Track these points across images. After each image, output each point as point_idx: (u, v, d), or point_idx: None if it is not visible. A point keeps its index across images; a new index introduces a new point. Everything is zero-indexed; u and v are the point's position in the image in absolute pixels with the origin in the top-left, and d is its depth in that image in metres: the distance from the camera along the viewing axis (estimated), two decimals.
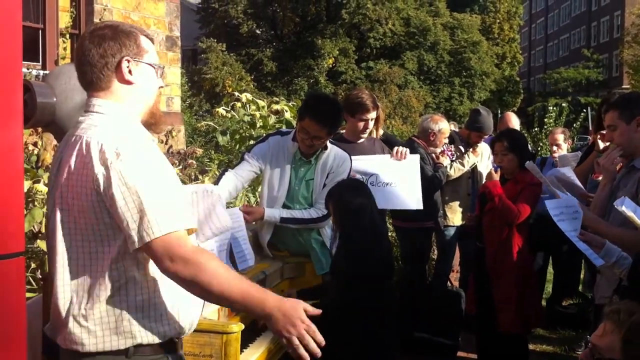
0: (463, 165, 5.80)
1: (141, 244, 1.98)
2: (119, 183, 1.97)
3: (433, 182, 5.47)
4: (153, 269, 2.10)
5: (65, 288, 2.07)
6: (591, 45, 51.76)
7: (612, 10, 49.62)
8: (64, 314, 2.08)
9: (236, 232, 3.56)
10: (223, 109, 7.67)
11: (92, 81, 2.17)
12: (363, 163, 4.59)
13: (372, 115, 4.81)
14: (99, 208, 2.02)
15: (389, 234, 6.15)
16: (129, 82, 2.17)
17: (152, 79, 2.25)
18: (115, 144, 2.02)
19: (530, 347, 5.20)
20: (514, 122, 6.46)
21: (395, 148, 4.84)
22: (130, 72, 2.16)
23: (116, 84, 2.16)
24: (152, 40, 2.28)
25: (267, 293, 2.08)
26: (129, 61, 2.16)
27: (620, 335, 1.97)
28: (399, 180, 4.71)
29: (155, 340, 2.12)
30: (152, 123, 2.26)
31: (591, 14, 53.73)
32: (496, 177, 4.63)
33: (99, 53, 2.13)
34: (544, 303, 6.57)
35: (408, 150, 4.84)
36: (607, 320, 2.04)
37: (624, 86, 38.96)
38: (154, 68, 2.24)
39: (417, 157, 4.95)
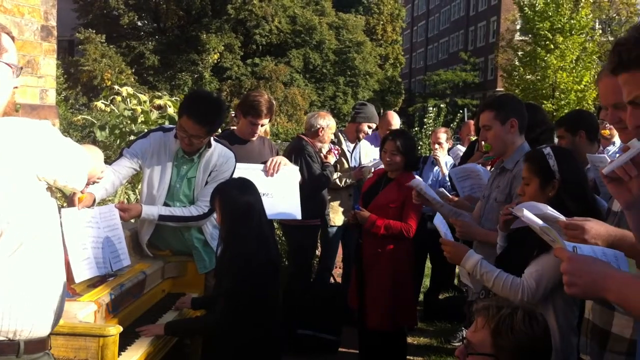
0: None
1: None
2: None
3: (321, 180, 5.52)
4: None
5: None
6: (468, 49, 54.07)
7: (488, 16, 52.05)
8: None
9: (110, 230, 3.42)
10: (102, 102, 7.40)
11: None
12: (239, 172, 4.52)
13: (264, 121, 4.79)
14: None
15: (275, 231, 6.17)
16: None
17: (7, 78, 2.12)
18: None
19: (408, 340, 5.35)
20: (395, 120, 6.63)
21: (269, 160, 4.81)
22: None
23: None
24: (13, 38, 2.17)
25: None
26: None
27: (490, 330, 2.05)
28: (276, 191, 4.69)
29: None
30: None
31: (469, 18, 56.12)
32: (366, 214, 4.61)
33: None
34: (422, 297, 6.80)
35: (282, 162, 4.83)
36: (478, 317, 2.11)
37: (498, 89, 40.96)
38: (11, 68, 2.11)
39: (296, 168, 4.99)
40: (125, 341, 3.03)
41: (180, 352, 3.72)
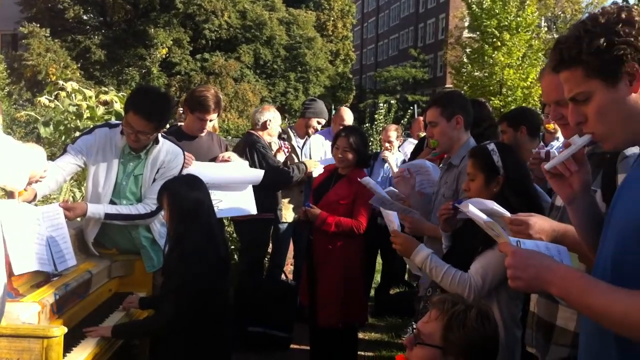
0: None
1: None
2: None
3: (281, 174, 5.47)
4: None
5: None
6: (418, 45, 54.58)
7: (437, 13, 52.61)
8: None
9: (54, 230, 3.33)
10: (46, 98, 7.24)
11: None
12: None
13: (212, 117, 4.72)
14: None
15: (226, 227, 6.12)
16: None
17: None
18: None
19: (360, 335, 5.37)
20: (348, 116, 6.64)
21: (218, 156, 4.77)
22: None
23: None
24: None
25: None
26: None
27: (442, 323, 2.07)
28: (229, 188, 4.66)
29: None
30: None
31: (419, 15, 56.64)
32: (316, 211, 4.62)
33: None
34: (372, 293, 6.85)
35: (230, 157, 4.78)
36: (433, 308, 2.14)
37: (447, 85, 41.47)
38: None
39: (246, 163, 4.96)
40: (70, 342, 2.98)
41: (127, 352, 3.66)
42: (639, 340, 1.57)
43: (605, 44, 1.64)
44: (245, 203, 4.80)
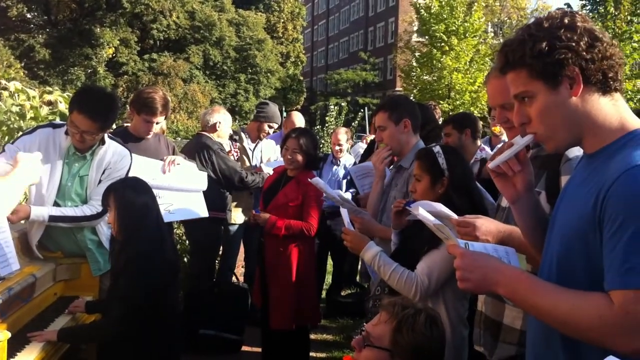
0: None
1: None
2: None
3: (235, 173, 5.43)
4: None
5: None
6: (368, 49, 55.00)
7: (386, 17, 53.14)
8: None
9: None
10: None
11: None
12: (140, 165, 4.39)
13: (159, 119, 4.62)
14: None
15: (175, 230, 6.04)
16: None
17: None
18: None
19: (311, 336, 5.38)
20: (298, 120, 6.64)
21: (167, 159, 4.65)
22: None
23: None
24: None
25: None
26: None
27: (392, 326, 2.09)
28: (180, 194, 4.62)
29: None
30: None
31: (368, 19, 57.11)
32: (265, 216, 4.58)
33: None
34: (324, 294, 6.86)
35: (177, 158, 4.71)
36: (383, 311, 2.15)
37: (397, 88, 41.86)
38: None
39: (194, 165, 4.91)
40: (14, 347, 2.92)
41: (74, 357, 3.59)
42: (583, 340, 1.62)
43: (547, 47, 1.68)
44: (196, 206, 4.75)
